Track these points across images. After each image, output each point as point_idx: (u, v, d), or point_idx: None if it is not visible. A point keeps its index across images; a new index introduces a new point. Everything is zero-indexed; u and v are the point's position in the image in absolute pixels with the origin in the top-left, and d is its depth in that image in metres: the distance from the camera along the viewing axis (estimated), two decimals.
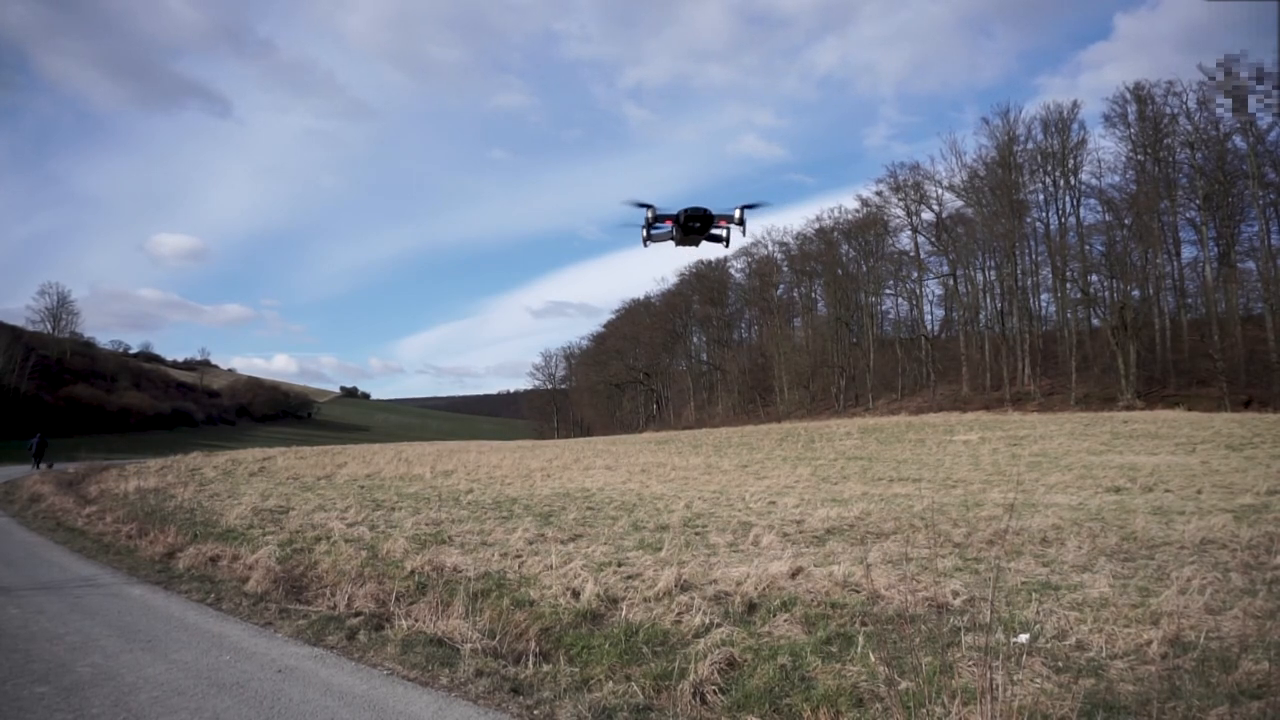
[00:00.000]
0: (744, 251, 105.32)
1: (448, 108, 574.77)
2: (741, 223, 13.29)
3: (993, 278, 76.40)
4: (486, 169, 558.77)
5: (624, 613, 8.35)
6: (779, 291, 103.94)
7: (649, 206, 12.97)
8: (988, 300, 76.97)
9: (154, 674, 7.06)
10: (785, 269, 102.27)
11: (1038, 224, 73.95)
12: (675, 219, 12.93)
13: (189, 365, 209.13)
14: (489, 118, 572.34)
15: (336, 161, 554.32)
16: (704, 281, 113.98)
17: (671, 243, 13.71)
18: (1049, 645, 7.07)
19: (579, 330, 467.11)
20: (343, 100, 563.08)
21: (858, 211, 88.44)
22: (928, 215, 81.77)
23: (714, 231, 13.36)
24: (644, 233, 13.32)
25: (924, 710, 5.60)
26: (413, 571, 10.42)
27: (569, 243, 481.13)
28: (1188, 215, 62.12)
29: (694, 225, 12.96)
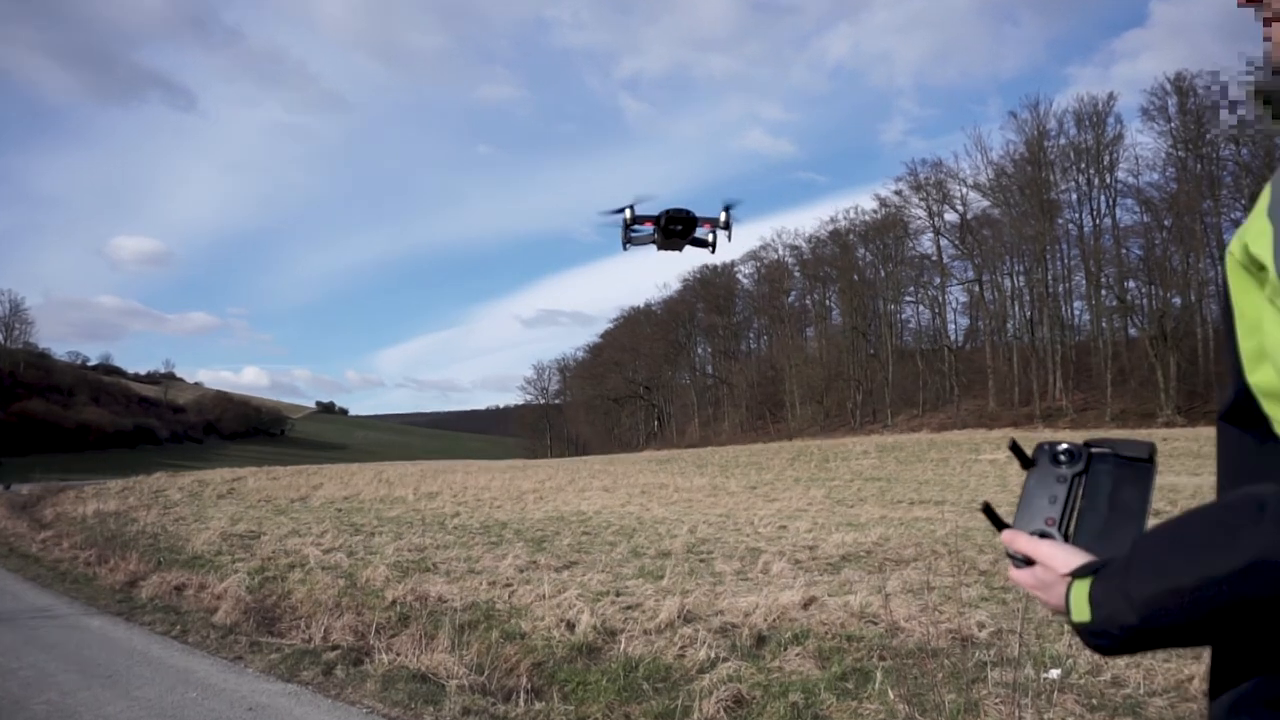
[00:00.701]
0: (752, 255, 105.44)
1: (430, 100, 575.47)
2: (727, 226, 13.24)
3: (1022, 284, 76.55)
4: (472, 166, 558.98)
5: (623, 646, 8.35)
6: (790, 299, 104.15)
7: (628, 207, 12.94)
8: (1016, 308, 77.08)
9: (114, 712, 7.06)
10: (797, 274, 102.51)
11: (1070, 226, 74.10)
12: (655, 220, 12.88)
13: (152, 379, 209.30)
14: (474, 111, 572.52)
15: (309, 158, 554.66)
16: (709, 288, 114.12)
17: (653, 246, 13.65)
18: (1082, 681, 7.07)
19: (573, 341, 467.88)
20: (315, 92, 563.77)
21: (875, 212, 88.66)
22: (951, 216, 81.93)
23: (698, 235, 13.32)
24: (623, 235, 13.31)
25: None
26: (394, 601, 10.41)
27: (562, 246, 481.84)
28: (1232, 216, 62.14)
29: (675, 228, 12.91)
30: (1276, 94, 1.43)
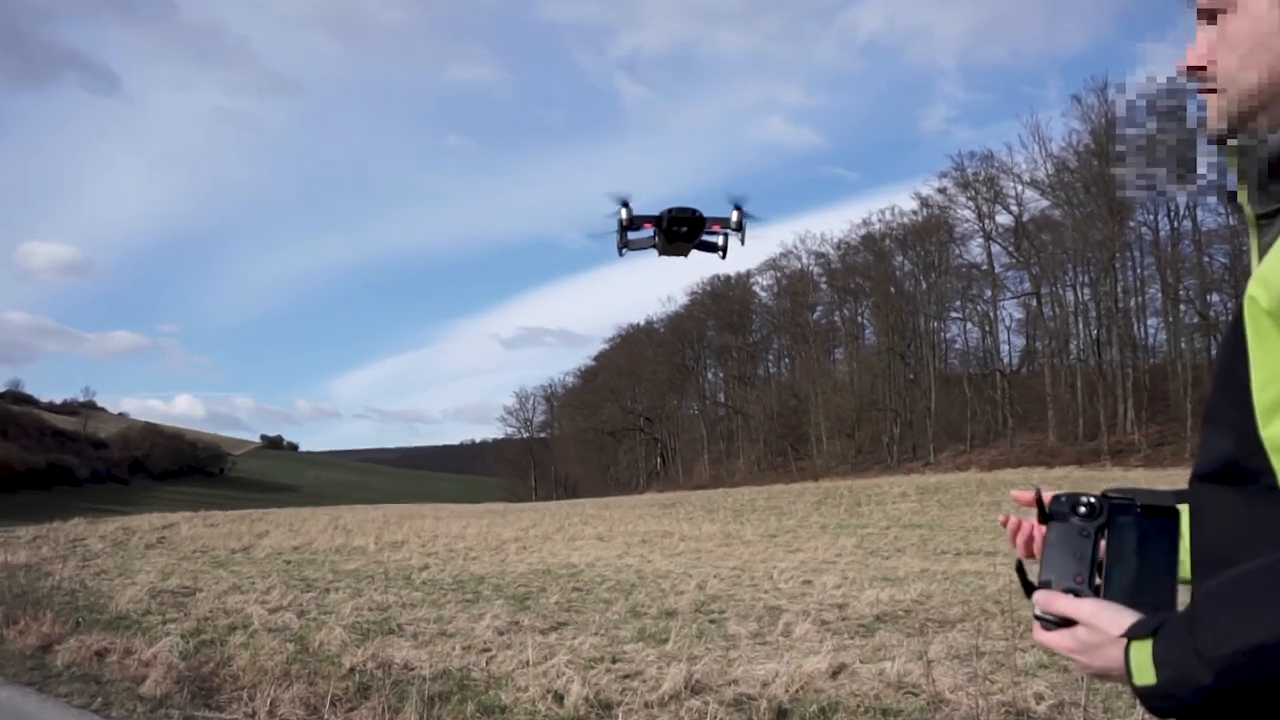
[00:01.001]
0: (772, 264, 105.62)
1: (393, 83, 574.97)
2: (740, 228, 13.16)
3: (1087, 297, 76.77)
4: (443, 160, 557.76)
5: None
6: (816, 315, 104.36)
7: (622, 205, 12.84)
8: (1080, 326, 77.23)
9: None
10: (824, 286, 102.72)
11: (1144, 230, 74.30)
12: (657, 221, 12.76)
13: (69, 408, 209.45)
14: (445, 95, 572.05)
15: (253, 150, 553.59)
16: (721, 302, 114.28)
17: (653, 252, 13.58)
18: None
19: (561, 364, 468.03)
20: (260, 73, 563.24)
21: (915, 214, 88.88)
22: (1004, 218, 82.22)
23: (706, 238, 13.23)
24: (618, 238, 13.22)
25: None
26: (353, 669, 10.42)
27: (547, 253, 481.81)
28: None
29: (679, 230, 12.79)
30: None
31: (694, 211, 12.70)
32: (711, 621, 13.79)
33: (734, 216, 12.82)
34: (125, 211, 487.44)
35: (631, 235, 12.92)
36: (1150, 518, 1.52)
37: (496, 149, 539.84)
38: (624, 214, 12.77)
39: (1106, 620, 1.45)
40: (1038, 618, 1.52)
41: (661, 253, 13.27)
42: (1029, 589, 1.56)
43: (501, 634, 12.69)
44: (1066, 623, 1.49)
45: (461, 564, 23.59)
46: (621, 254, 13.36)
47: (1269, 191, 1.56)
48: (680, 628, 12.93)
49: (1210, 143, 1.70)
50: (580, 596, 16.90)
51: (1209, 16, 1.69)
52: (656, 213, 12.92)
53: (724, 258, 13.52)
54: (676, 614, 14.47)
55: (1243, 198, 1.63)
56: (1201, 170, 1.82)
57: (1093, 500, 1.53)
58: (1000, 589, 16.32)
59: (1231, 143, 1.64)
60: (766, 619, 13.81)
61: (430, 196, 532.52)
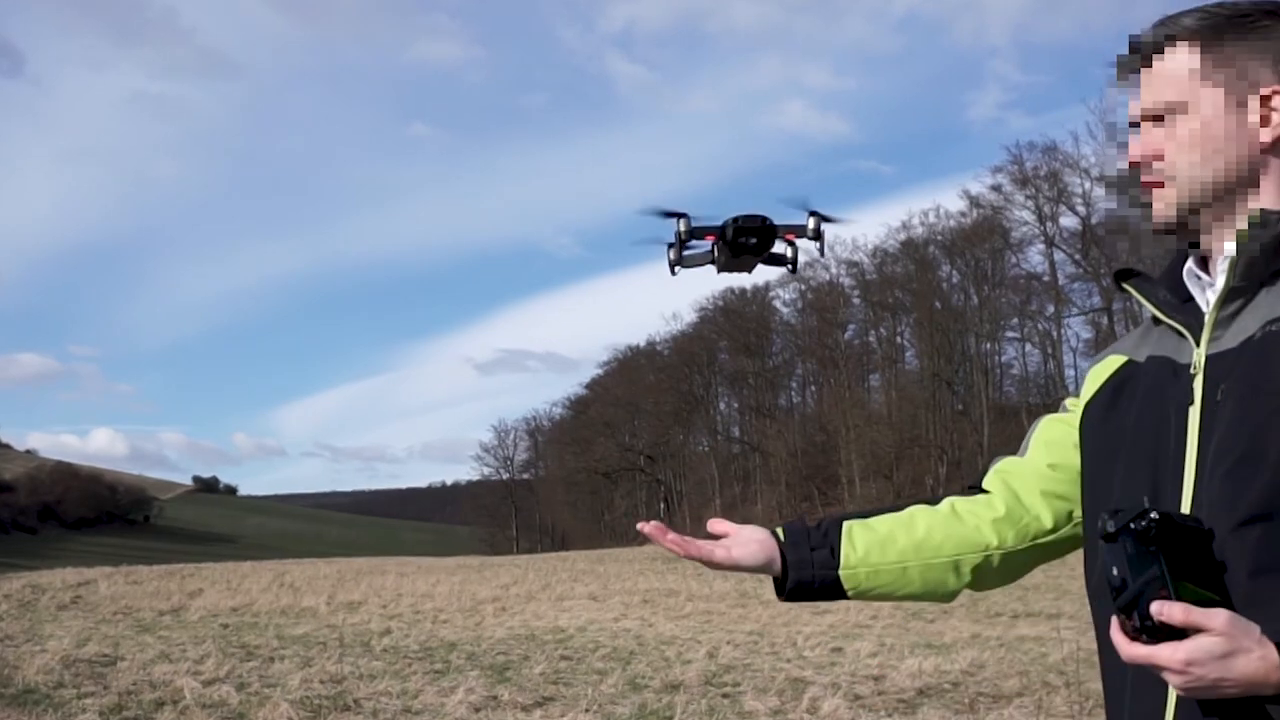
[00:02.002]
0: (794, 276, 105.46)
1: (346, 62, 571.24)
2: (818, 236, 13.05)
3: None
4: (405, 152, 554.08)
5: None
6: (847, 334, 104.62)
7: (680, 215, 12.67)
8: None
9: None
10: (856, 301, 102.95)
11: None
12: (719, 233, 12.58)
13: None
14: (407, 76, 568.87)
15: (181, 142, 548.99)
16: (735, 320, 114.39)
17: (711, 268, 13.44)
18: None
19: (547, 392, 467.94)
20: (189, 51, 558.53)
21: (964, 215, 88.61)
22: (1069, 221, 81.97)
23: (775, 251, 13.13)
24: (670, 255, 13.05)
25: None
26: None
27: (530, 263, 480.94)
28: None
29: (747, 242, 12.59)
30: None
31: (764, 219, 12.58)
32: (724, 696, 13.80)
33: (810, 223, 12.72)
34: (29, 213, 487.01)
35: (688, 251, 12.79)
36: (1190, 533, 1.74)
37: (468, 140, 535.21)
38: (681, 227, 12.60)
39: (1243, 628, 1.63)
40: (1134, 630, 1.69)
41: (722, 269, 13.18)
42: (1128, 606, 1.71)
43: (477, 710, 12.70)
44: (1170, 636, 1.64)
45: (430, 628, 23.61)
46: (674, 272, 13.24)
47: (1253, 269, 1.92)
48: (687, 703, 12.94)
49: (1155, 232, 2.18)
50: (570, 666, 16.92)
51: (1154, 118, 2.07)
52: (717, 224, 12.78)
53: (794, 270, 13.49)
54: (683, 687, 14.49)
55: (1223, 269, 2.00)
56: None
57: (1155, 516, 1.69)
58: (1064, 658, 16.32)
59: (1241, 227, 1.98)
60: (789, 693, 13.82)
61: (391, 196, 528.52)
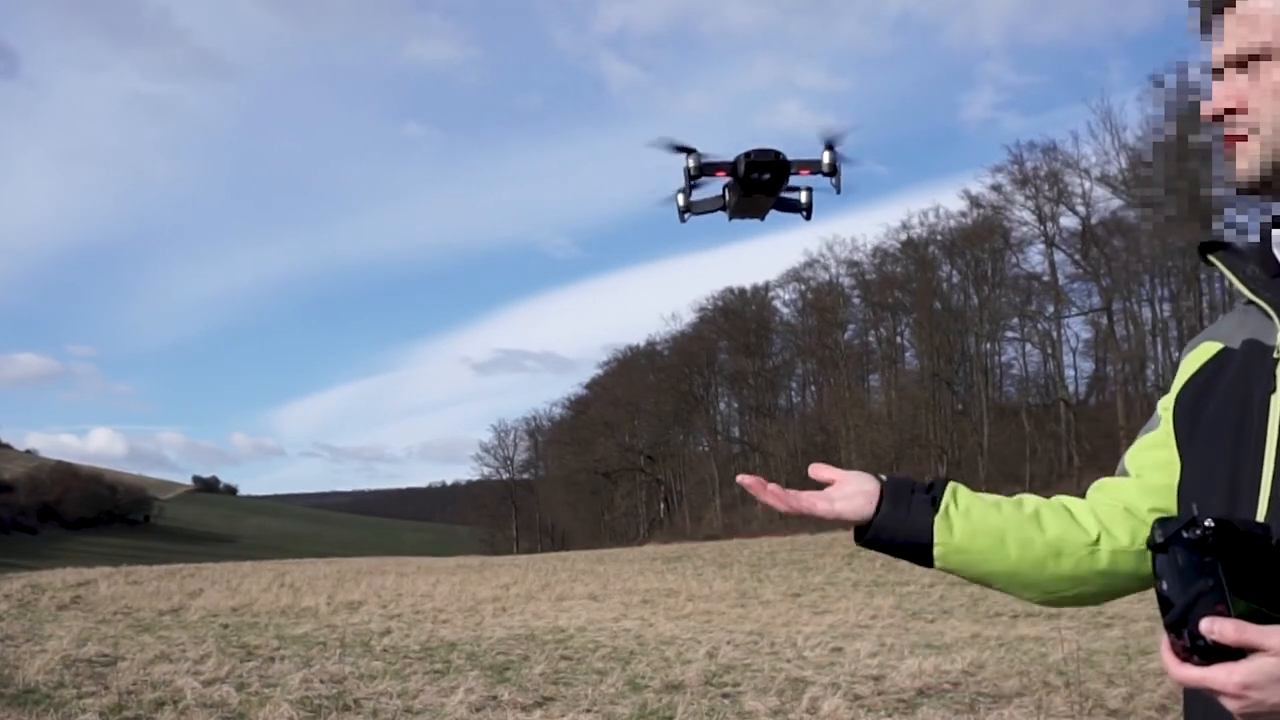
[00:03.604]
0: (795, 275, 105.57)
1: (341, 63, 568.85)
2: (834, 172, 12.61)
3: (1167, 314, 76.84)
4: (401, 153, 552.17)
5: None
6: (847, 335, 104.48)
7: (689, 151, 12.24)
8: (1159, 348, 77.27)
9: None
10: (856, 301, 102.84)
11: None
12: (731, 169, 12.13)
13: None
14: (402, 77, 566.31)
15: (178, 143, 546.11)
16: (735, 320, 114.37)
17: (721, 214, 13.04)
18: None
19: (545, 392, 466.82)
20: (185, 52, 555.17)
21: (964, 215, 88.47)
22: (1069, 221, 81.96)
23: (787, 194, 12.69)
24: (679, 199, 12.66)
25: None
26: None
27: (526, 263, 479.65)
28: None
29: (759, 178, 12.11)
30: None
31: (777, 154, 12.17)
32: (724, 696, 13.80)
33: (825, 158, 12.34)
34: (27, 214, 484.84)
35: (697, 190, 12.40)
36: (1249, 540, 1.57)
37: (464, 140, 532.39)
38: (691, 163, 12.20)
39: None
40: (1184, 650, 1.55)
41: (733, 214, 12.73)
42: (1177, 625, 1.57)
43: (477, 710, 12.70)
44: (1226, 656, 1.51)
45: (430, 628, 23.60)
46: (684, 219, 12.89)
47: None
48: (687, 703, 12.94)
49: (1238, 191, 1.93)
50: (570, 666, 16.91)
51: (1239, 64, 1.87)
52: (728, 159, 12.36)
53: (809, 217, 13.00)
54: (683, 687, 14.48)
55: None
56: None
57: (1210, 524, 1.56)
58: (1065, 657, 16.32)
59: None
60: (789, 693, 13.82)
61: (387, 197, 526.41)
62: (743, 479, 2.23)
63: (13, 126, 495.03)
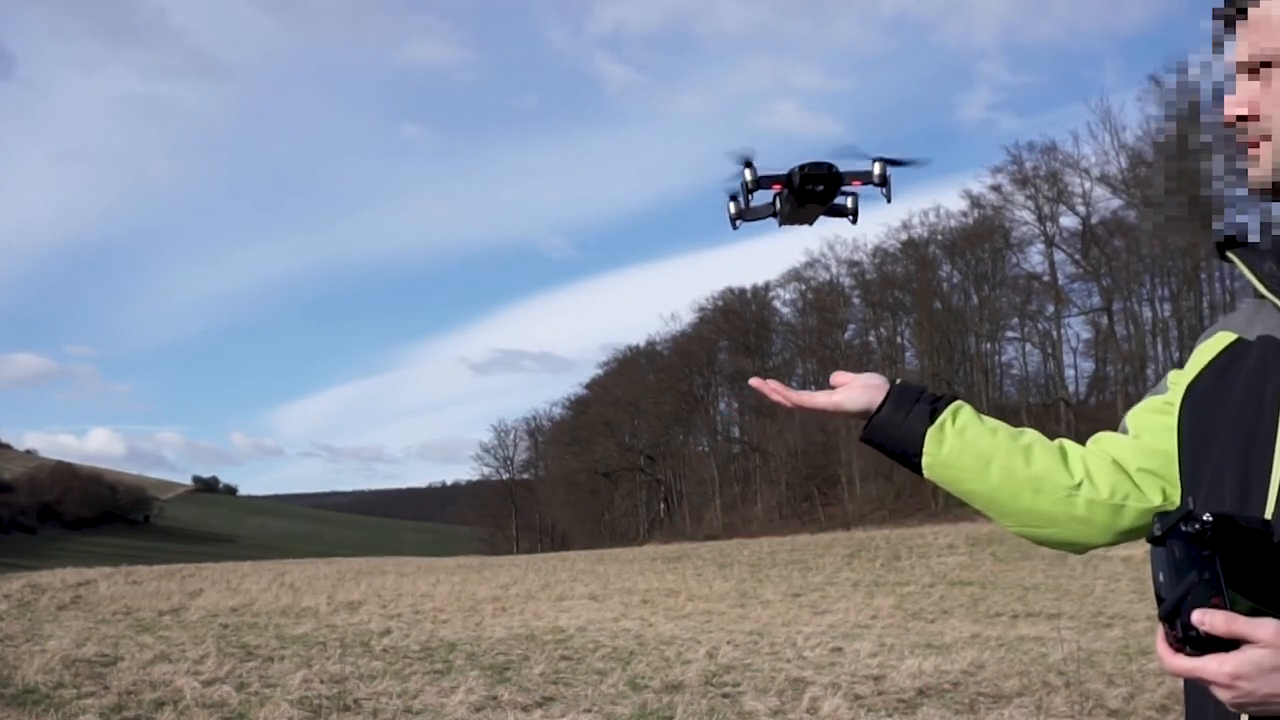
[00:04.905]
0: (795, 275, 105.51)
1: (337, 64, 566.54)
2: (885, 183, 12.77)
3: (1167, 314, 76.83)
4: (398, 154, 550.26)
5: None
6: (848, 334, 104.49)
7: (746, 163, 12.40)
8: (1159, 347, 77.29)
9: None
10: (856, 301, 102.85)
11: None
12: (786, 181, 12.33)
13: None
14: (399, 78, 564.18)
15: (175, 143, 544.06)
16: (735, 320, 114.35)
17: (773, 220, 13.20)
18: None
19: (543, 392, 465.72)
20: (181, 53, 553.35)
21: (964, 215, 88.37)
22: (1069, 221, 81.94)
23: (838, 202, 12.90)
24: (731, 207, 12.83)
25: None
26: None
27: (524, 263, 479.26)
28: None
29: (814, 189, 12.30)
30: None
31: (830, 166, 12.33)
32: (724, 696, 13.79)
33: (875, 170, 12.42)
34: (25, 214, 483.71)
35: (753, 200, 12.55)
36: (1247, 535, 1.59)
37: (461, 140, 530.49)
38: (748, 175, 12.32)
39: None
40: (1178, 641, 1.57)
41: (784, 221, 12.85)
42: (1170, 616, 1.59)
43: (477, 710, 12.69)
44: (1218, 647, 1.53)
45: (430, 628, 23.60)
46: (735, 226, 12.98)
47: None
48: (687, 704, 12.93)
49: (1256, 194, 1.96)
50: (570, 666, 16.91)
51: (1251, 71, 1.89)
52: (782, 172, 12.52)
53: (855, 222, 13.14)
54: (683, 687, 14.48)
55: None
56: None
57: (1208, 518, 1.58)
58: (1065, 658, 16.33)
59: None
60: (789, 693, 13.82)
61: (384, 197, 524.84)
62: (754, 382, 2.42)
63: (10, 127, 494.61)
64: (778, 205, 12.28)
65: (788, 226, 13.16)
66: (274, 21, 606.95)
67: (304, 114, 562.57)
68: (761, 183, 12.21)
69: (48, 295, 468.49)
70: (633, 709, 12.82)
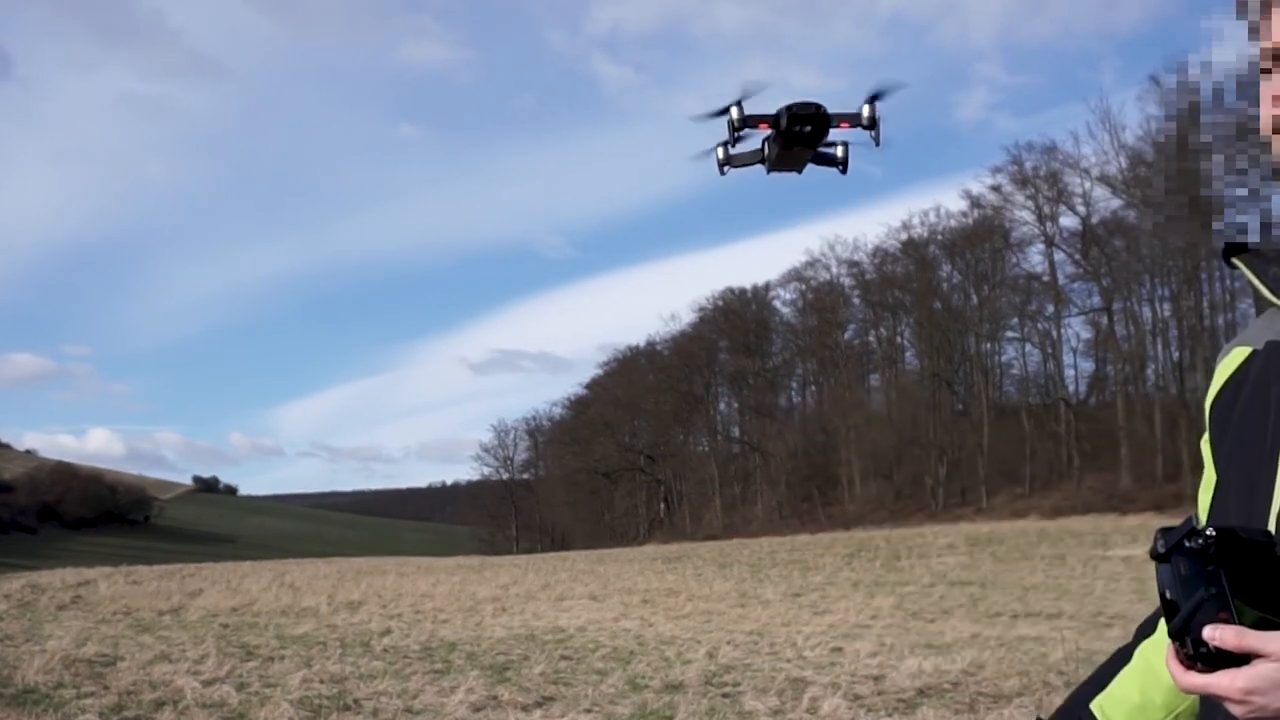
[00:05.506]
0: (795, 275, 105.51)
1: (334, 64, 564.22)
2: (873, 125, 12.69)
3: (1167, 314, 76.70)
4: (396, 154, 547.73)
5: None
6: (848, 335, 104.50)
7: (734, 104, 12.32)
8: (1159, 348, 77.26)
9: None
10: (856, 301, 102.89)
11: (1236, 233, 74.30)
12: (773, 122, 12.25)
13: None
14: (397, 79, 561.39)
15: (173, 143, 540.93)
16: (735, 320, 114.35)
17: (760, 169, 13.11)
18: None
19: (543, 392, 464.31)
20: (178, 53, 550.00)
21: (964, 215, 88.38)
22: (1069, 221, 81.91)
23: (825, 149, 12.80)
24: (720, 152, 12.75)
25: None
26: None
27: (522, 263, 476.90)
28: None
29: (801, 130, 12.22)
30: None
31: (818, 106, 12.25)
32: (724, 696, 13.79)
33: (865, 112, 12.35)
34: (23, 214, 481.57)
35: (739, 142, 12.46)
36: (1253, 549, 1.57)
37: (458, 141, 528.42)
38: (734, 114, 12.28)
39: None
40: (1188, 658, 1.55)
41: (772, 167, 12.78)
42: (1179, 632, 1.58)
43: (477, 710, 12.69)
44: (1230, 662, 1.51)
45: (429, 628, 23.59)
46: (723, 171, 12.92)
47: None
48: (687, 704, 12.93)
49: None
50: (570, 666, 16.90)
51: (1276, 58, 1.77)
52: (771, 112, 12.44)
53: (845, 171, 13.06)
54: (683, 687, 14.47)
55: None
56: None
57: (1211, 532, 1.57)
58: (1065, 658, 16.32)
59: None
60: (789, 693, 13.81)
61: (382, 197, 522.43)
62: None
63: (8, 127, 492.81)
64: (765, 150, 12.22)
65: (776, 173, 13.10)
66: (271, 22, 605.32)
67: (302, 114, 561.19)
68: (749, 121, 12.13)
69: (46, 295, 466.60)
70: (633, 709, 12.81)
